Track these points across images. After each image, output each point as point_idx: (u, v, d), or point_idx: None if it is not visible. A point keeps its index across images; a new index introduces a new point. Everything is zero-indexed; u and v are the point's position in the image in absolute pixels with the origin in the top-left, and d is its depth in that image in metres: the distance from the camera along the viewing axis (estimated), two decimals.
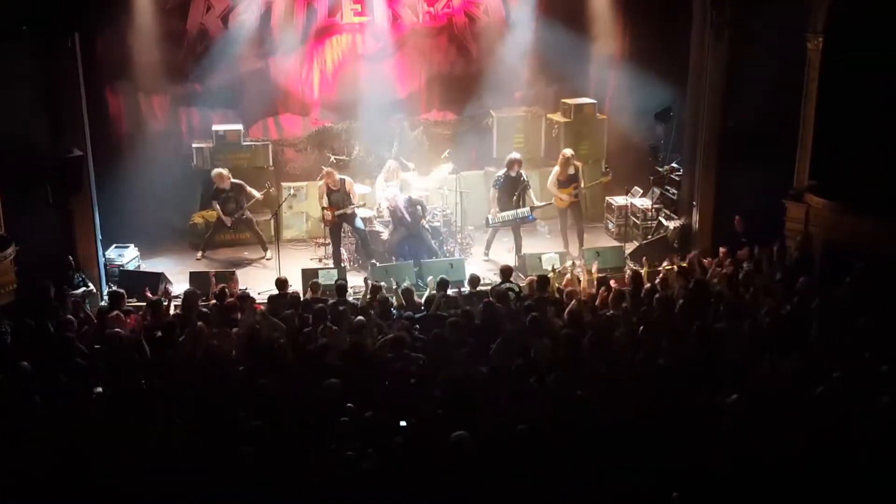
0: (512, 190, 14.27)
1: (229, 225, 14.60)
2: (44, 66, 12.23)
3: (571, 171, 14.47)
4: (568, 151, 14.59)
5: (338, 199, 13.85)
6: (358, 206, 13.94)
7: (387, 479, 7.20)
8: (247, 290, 11.98)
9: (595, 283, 11.96)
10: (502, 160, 14.74)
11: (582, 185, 14.57)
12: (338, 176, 13.99)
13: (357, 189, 14.38)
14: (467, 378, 8.67)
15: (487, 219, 14.58)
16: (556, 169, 14.60)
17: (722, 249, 12.74)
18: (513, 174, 14.25)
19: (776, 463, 7.34)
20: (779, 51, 13.24)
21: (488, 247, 14.77)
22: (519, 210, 14.27)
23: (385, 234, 14.21)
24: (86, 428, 8.01)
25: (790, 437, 7.59)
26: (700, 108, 14.10)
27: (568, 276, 12.26)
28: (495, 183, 14.41)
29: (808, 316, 10.30)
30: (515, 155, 14.38)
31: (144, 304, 11.33)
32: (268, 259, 14.57)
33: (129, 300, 11.85)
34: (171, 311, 11.39)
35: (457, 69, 16.37)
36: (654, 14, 15.75)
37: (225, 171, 14.43)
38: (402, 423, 7.94)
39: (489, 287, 12.32)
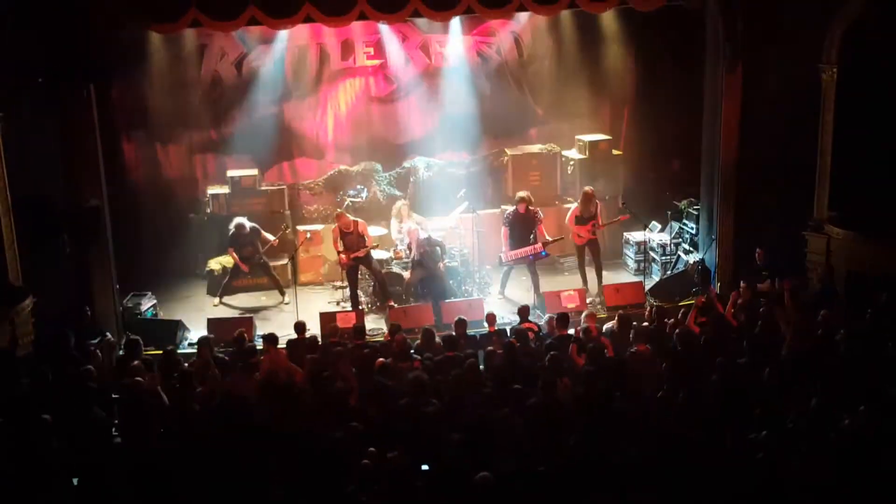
0: (522, 227, 14.19)
1: (246, 270, 14.57)
2: (60, 116, 12.32)
3: (592, 208, 14.38)
4: (589, 188, 14.51)
5: (352, 241, 13.81)
6: (372, 248, 13.86)
7: None
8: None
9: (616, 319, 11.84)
10: None
11: (601, 222, 14.48)
12: (351, 218, 13.96)
13: (372, 231, 14.35)
14: (488, 419, 8.58)
15: (500, 257, 14.50)
16: (576, 205, 14.52)
17: (742, 284, 12.63)
18: (522, 211, 14.17)
19: (806, 496, 7.24)
20: (793, 82, 13.20)
21: (503, 285, 14.68)
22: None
23: (406, 275, 14.13)
24: (106, 477, 7.96)
25: (819, 471, 7.48)
26: (716, 142, 14.03)
27: (585, 313, 12.14)
28: (505, 221, 14.35)
29: (832, 348, 10.18)
30: (522, 193, 14.28)
31: (160, 352, 11.29)
32: (285, 303, 14.52)
33: (146, 348, 11.82)
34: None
35: (470, 109, 16.37)
36: (667, 47, 15.75)
37: (246, 222, 14.41)
38: (424, 467, 7.85)
39: (507, 326, 12.22)
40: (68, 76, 12.21)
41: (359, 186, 15.92)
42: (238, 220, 14.41)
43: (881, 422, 8.11)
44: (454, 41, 16.07)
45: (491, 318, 12.02)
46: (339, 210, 14.38)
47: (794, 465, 7.51)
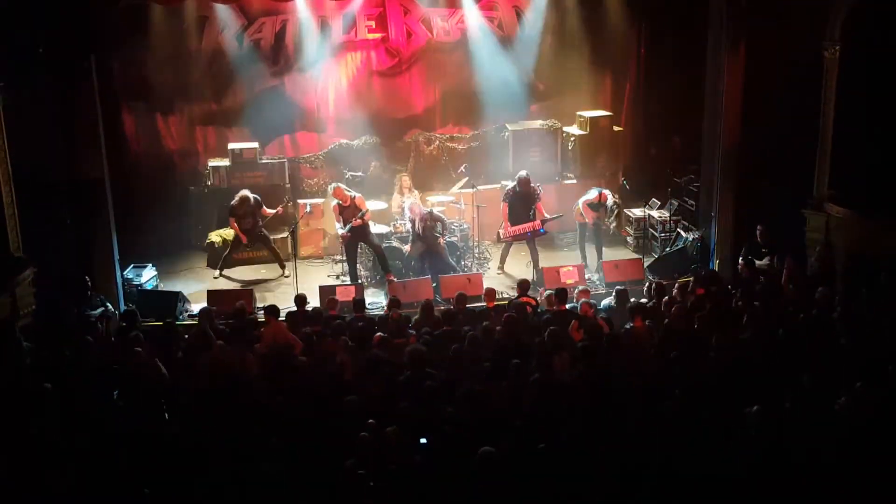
0: (522, 203, 14.19)
1: (246, 241, 14.58)
2: (60, 88, 12.28)
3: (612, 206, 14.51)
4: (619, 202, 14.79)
5: (349, 214, 13.81)
6: (363, 214, 13.74)
7: (401, 496, 7.19)
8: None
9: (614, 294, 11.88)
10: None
11: (609, 222, 14.59)
12: (347, 192, 13.94)
13: (371, 206, 14.33)
14: (487, 393, 8.63)
15: (498, 233, 14.51)
16: (596, 193, 14.42)
17: (741, 261, 12.70)
18: (522, 189, 14.16)
19: (800, 473, 7.29)
20: (796, 60, 13.16)
21: (503, 261, 14.72)
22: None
23: (405, 249, 14.15)
24: (107, 447, 8.01)
25: (814, 447, 7.53)
26: (717, 119, 14.02)
27: (578, 289, 12.18)
28: (505, 196, 14.36)
29: (828, 326, 10.22)
30: (522, 173, 14.24)
31: (160, 324, 11.34)
32: (286, 276, 14.56)
33: (146, 320, 11.87)
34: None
35: (471, 84, 16.35)
36: (669, 25, 15.71)
37: (249, 194, 14.43)
38: (422, 441, 7.89)
39: (506, 301, 12.26)
40: (69, 47, 12.16)
41: (367, 160, 15.94)
42: (243, 192, 14.42)
43: (877, 400, 8.17)
44: (456, 15, 16.03)
45: (490, 294, 12.05)
46: (335, 183, 14.33)
47: (788, 441, 7.56)
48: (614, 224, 15.04)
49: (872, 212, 12.98)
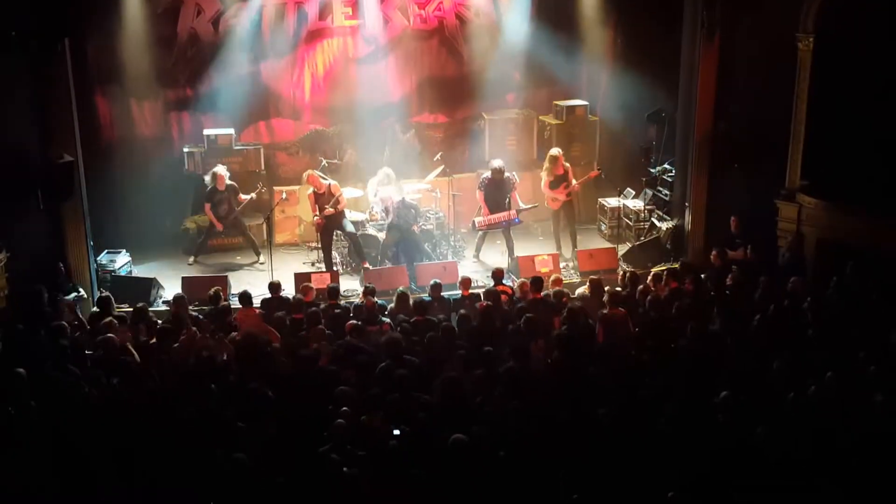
0: (497, 192, 14.21)
1: (221, 229, 14.54)
2: (34, 71, 12.16)
3: (560, 171, 14.38)
4: (555, 151, 14.53)
5: (325, 202, 13.79)
6: (331, 206, 13.71)
7: (377, 483, 7.22)
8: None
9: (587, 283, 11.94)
10: None
11: (573, 182, 14.47)
12: (322, 180, 13.91)
13: (347, 193, 14.32)
14: (463, 381, 8.66)
15: (474, 222, 14.52)
16: (546, 168, 14.53)
17: (714, 251, 12.80)
18: (496, 178, 14.18)
19: (768, 460, 7.38)
20: (770, 51, 13.26)
21: (478, 249, 14.76)
22: None
23: (381, 237, 14.15)
24: (81, 433, 7.98)
25: (782, 434, 7.62)
26: (691, 109, 14.10)
27: (552, 277, 12.23)
28: (480, 185, 14.37)
29: (799, 315, 10.33)
30: (497, 163, 14.21)
31: (133, 310, 11.30)
32: (261, 263, 14.53)
33: (120, 306, 11.82)
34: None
35: (448, 72, 16.36)
36: (645, 15, 15.74)
37: (224, 171, 14.37)
38: (396, 432, 7.90)
39: (481, 290, 12.29)
40: (42, 30, 12.03)
41: (343, 147, 15.92)
42: (216, 169, 14.35)
43: (847, 388, 8.28)
44: (433, 3, 16.01)
45: (466, 282, 12.06)
46: (309, 171, 14.31)
47: (755, 428, 7.65)
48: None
49: (844, 202, 13.10)
